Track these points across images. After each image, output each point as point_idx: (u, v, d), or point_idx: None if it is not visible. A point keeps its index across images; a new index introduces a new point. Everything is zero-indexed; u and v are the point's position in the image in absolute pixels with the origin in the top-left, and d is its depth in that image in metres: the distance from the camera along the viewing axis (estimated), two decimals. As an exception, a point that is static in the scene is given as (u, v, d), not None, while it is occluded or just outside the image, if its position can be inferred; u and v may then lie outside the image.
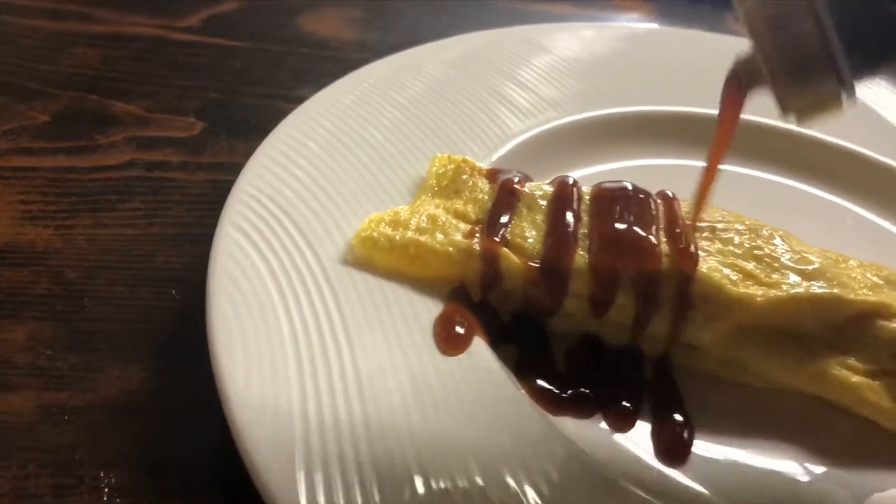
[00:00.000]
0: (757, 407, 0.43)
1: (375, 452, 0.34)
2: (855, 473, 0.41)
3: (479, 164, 0.51)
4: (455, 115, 0.56)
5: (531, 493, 0.34)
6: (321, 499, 0.32)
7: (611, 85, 0.63)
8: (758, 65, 0.36)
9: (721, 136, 0.44)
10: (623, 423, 0.41)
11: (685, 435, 0.41)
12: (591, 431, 0.41)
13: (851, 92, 0.34)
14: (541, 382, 0.42)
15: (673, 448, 0.40)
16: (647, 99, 0.63)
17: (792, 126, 0.60)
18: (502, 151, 0.54)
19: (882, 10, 0.32)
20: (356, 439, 0.35)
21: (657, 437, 0.40)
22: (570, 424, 0.40)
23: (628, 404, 0.42)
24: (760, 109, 0.54)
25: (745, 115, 0.61)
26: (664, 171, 0.60)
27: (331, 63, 0.70)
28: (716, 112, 0.57)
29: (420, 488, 0.34)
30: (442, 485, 0.34)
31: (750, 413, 0.43)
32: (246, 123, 0.62)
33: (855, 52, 0.33)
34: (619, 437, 0.40)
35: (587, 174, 0.57)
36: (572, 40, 0.68)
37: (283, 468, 0.33)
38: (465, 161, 0.50)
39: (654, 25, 0.87)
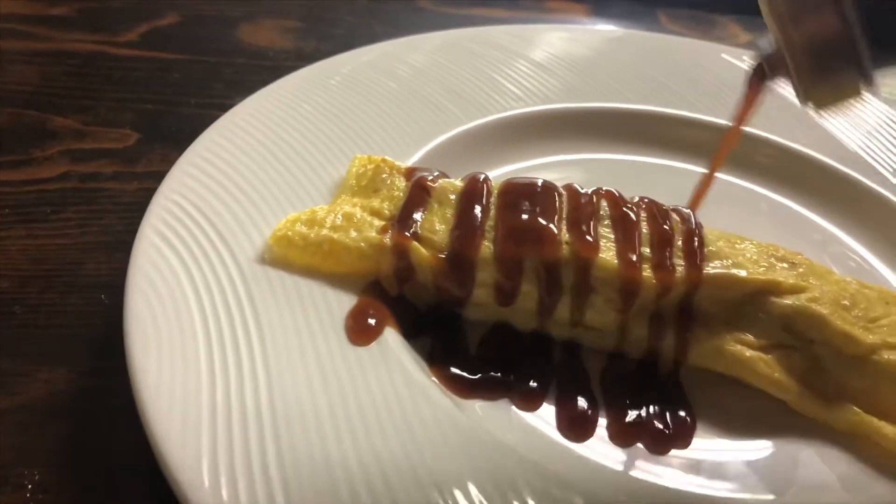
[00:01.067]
0: (662, 381, 0.45)
1: (280, 441, 0.36)
2: (750, 442, 0.43)
3: (399, 163, 0.53)
4: (379, 117, 0.58)
5: (436, 475, 0.36)
6: (223, 488, 0.34)
7: (534, 84, 0.65)
8: (780, 57, 0.37)
9: (736, 125, 0.46)
10: (530, 403, 0.43)
11: (589, 412, 0.43)
12: (502, 413, 0.42)
13: (872, 83, 0.36)
14: (452, 369, 0.44)
15: (575, 424, 0.42)
16: (572, 96, 0.65)
17: (709, 117, 0.64)
18: (423, 151, 0.56)
19: None
20: (262, 429, 0.36)
21: (561, 414, 0.42)
22: (481, 408, 0.42)
23: (535, 385, 0.44)
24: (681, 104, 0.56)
25: (670, 110, 0.65)
26: (587, 166, 0.62)
27: (268, 72, 0.72)
28: (637, 107, 0.60)
29: (324, 475, 0.35)
30: (347, 471, 0.35)
31: (655, 389, 0.45)
32: (181, 133, 0.64)
33: (877, 45, 0.34)
34: (528, 417, 0.42)
35: (510, 171, 0.59)
36: (498, 41, 0.70)
37: (190, 458, 0.34)
38: (384, 161, 0.52)
39: (585, 26, 0.89)
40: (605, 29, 0.80)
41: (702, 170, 0.62)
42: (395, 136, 0.57)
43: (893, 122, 0.67)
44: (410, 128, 0.58)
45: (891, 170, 0.62)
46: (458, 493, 0.35)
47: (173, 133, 0.64)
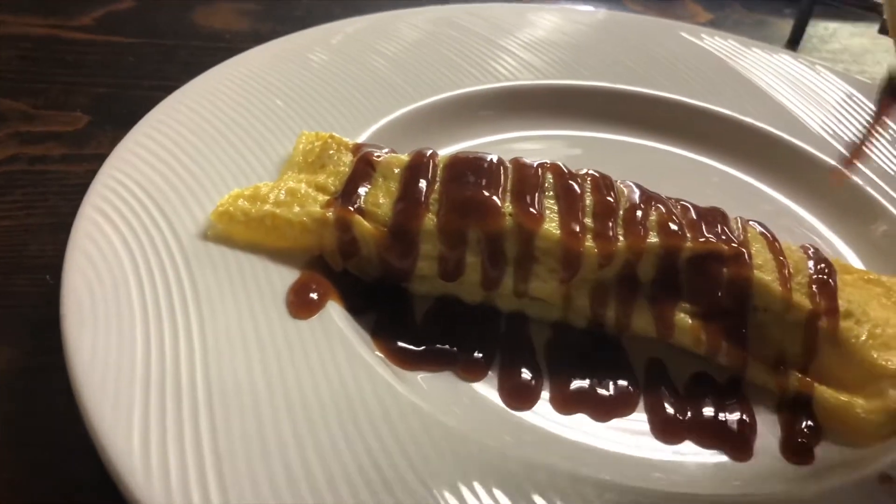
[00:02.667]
0: (606, 350, 0.45)
1: (215, 416, 0.36)
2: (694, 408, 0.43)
3: (347, 140, 0.52)
4: (331, 95, 0.58)
5: (374, 449, 0.36)
6: (153, 460, 0.33)
7: (489, 62, 0.65)
8: None
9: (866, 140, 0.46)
10: (473, 373, 0.43)
11: (532, 381, 0.43)
12: (446, 385, 0.42)
13: None
14: (397, 342, 0.44)
15: (517, 392, 0.42)
16: (528, 74, 0.65)
17: (663, 93, 0.64)
18: (373, 129, 0.56)
19: None
20: (196, 404, 0.36)
21: (504, 383, 0.42)
22: (420, 379, 0.42)
23: (480, 356, 0.44)
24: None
25: (625, 86, 0.65)
26: (542, 142, 0.62)
27: (223, 54, 0.70)
28: (594, 84, 0.60)
29: (257, 449, 0.35)
30: (281, 444, 0.35)
31: (599, 358, 0.45)
32: (132, 116, 0.62)
33: None
34: (472, 389, 0.42)
35: (461, 149, 0.59)
36: (454, 20, 0.69)
37: (121, 432, 0.34)
38: (332, 137, 0.52)
39: (544, 5, 0.89)
40: (567, 7, 0.79)
41: (658, 145, 0.62)
42: (346, 113, 0.57)
43: (849, 98, 0.67)
44: (362, 105, 0.58)
45: (841, 141, 0.62)
46: (396, 467, 0.35)
47: (124, 116, 0.62)
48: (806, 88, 0.68)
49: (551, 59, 0.67)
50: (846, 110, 0.65)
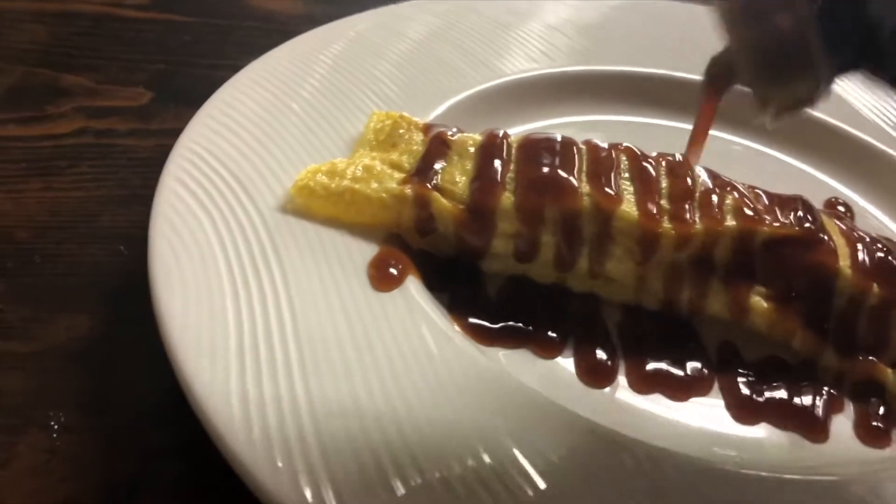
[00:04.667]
0: (678, 332, 0.46)
1: (309, 384, 0.36)
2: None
3: (418, 120, 0.53)
4: (395, 76, 0.58)
5: (464, 418, 0.36)
6: (255, 428, 0.34)
7: (548, 46, 0.65)
8: (735, 64, 0.37)
9: (698, 133, 0.47)
10: (550, 350, 0.43)
11: (608, 360, 0.43)
12: (524, 360, 0.43)
13: (827, 91, 0.35)
14: (472, 318, 0.44)
15: (594, 370, 0.42)
16: (585, 59, 0.65)
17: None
18: (439, 110, 0.56)
19: (862, 12, 0.32)
20: (291, 372, 0.36)
21: (581, 361, 0.43)
22: (501, 356, 0.43)
23: (554, 334, 0.44)
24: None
25: (680, 74, 0.65)
26: (600, 127, 0.62)
27: (278, 35, 0.71)
28: (649, 71, 0.60)
29: (354, 417, 0.35)
30: (377, 412, 0.36)
31: (672, 338, 0.45)
32: (194, 93, 0.63)
33: (833, 53, 0.33)
34: (547, 364, 0.43)
35: (524, 131, 0.59)
36: (510, 4, 0.70)
37: (220, 398, 0.35)
38: (402, 116, 0.52)
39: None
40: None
41: (716, 133, 0.62)
42: (411, 94, 0.57)
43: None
44: (426, 87, 0.58)
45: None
46: (485, 435, 0.36)
47: (186, 93, 0.63)
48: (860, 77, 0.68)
49: (602, 44, 0.67)
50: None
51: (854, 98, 0.66)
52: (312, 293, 0.41)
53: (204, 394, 0.35)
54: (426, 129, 0.51)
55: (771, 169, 0.61)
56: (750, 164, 0.61)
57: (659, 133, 0.62)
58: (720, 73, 0.41)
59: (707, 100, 0.44)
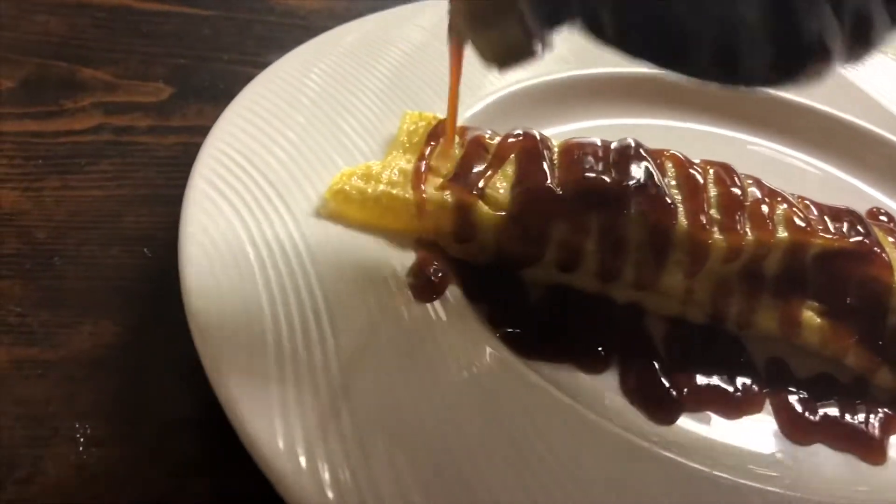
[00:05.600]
0: (726, 348, 0.44)
1: (352, 397, 0.35)
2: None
3: (451, 122, 0.51)
4: (428, 75, 0.57)
5: (515, 434, 0.35)
6: (298, 435, 0.32)
7: (582, 46, 0.63)
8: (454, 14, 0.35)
9: (451, 88, 0.44)
10: (594, 366, 0.42)
11: (655, 377, 0.42)
12: (565, 375, 0.41)
13: (543, 43, 0.33)
14: (514, 330, 0.42)
15: (642, 387, 0.41)
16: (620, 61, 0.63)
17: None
18: (475, 110, 0.54)
19: None
20: (331, 380, 0.35)
21: (627, 379, 0.41)
22: (544, 369, 0.41)
23: (599, 348, 0.42)
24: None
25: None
26: (638, 131, 0.60)
27: (299, 30, 0.70)
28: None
29: (400, 432, 0.34)
30: (423, 427, 0.34)
31: (721, 353, 0.44)
32: (215, 88, 0.62)
33: (544, 4, 0.32)
34: (591, 379, 0.41)
35: (558, 133, 0.57)
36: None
37: (260, 413, 0.33)
38: (436, 118, 0.50)
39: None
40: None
41: (753, 138, 0.61)
42: (443, 94, 0.55)
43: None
44: (463, 86, 0.56)
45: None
46: (538, 451, 0.34)
47: (207, 88, 0.62)
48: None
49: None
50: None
51: (890, 102, 0.64)
52: (351, 302, 0.39)
53: (241, 406, 0.33)
54: (461, 131, 0.49)
55: (809, 178, 0.59)
56: (787, 172, 0.59)
57: (693, 137, 0.61)
58: (453, 22, 0.39)
59: (453, 49, 0.42)
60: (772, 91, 0.63)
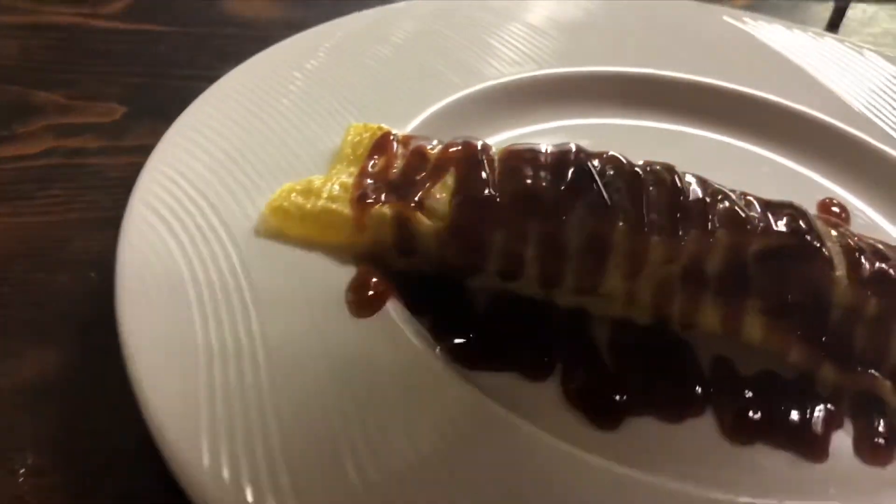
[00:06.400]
0: (672, 348, 0.44)
1: (283, 419, 0.35)
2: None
3: (397, 131, 0.51)
4: (374, 85, 0.57)
5: (445, 450, 0.35)
6: (225, 466, 0.32)
7: (531, 48, 0.63)
8: None
9: None
10: (537, 373, 0.42)
11: (597, 382, 0.42)
12: (508, 383, 0.41)
13: None
14: (457, 340, 0.42)
15: (584, 393, 0.41)
16: (569, 61, 0.63)
17: (707, 79, 0.62)
18: (420, 119, 0.54)
19: None
20: (263, 405, 0.35)
21: (570, 384, 0.41)
22: (487, 379, 0.41)
23: (543, 355, 0.42)
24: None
25: (670, 73, 0.63)
26: (587, 131, 0.60)
27: (256, 42, 0.69)
28: (638, 70, 0.58)
29: (329, 451, 0.34)
30: (353, 446, 0.34)
31: (664, 355, 0.44)
32: (169, 106, 0.61)
33: None
34: (536, 388, 0.41)
35: (510, 138, 0.57)
36: (492, 6, 0.68)
37: (189, 438, 0.33)
38: (380, 129, 0.50)
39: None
40: None
41: (706, 133, 0.61)
42: (391, 103, 0.56)
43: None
44: (406, 95, 0.57)
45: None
46: (467, 467, 0.34)
47: (161, 106, 0.61)
48: (854, 73, 0.66)
49: (589, 44, 0.65)
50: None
51: (847, 94, 0.64)
52: (287, 322, 0.39)
53: (171, 435, 0.33)
54: (406, 141, 0.49)
55: (764, 169, 0.59)
56: (742, 165, 0.59)
57: (649, 136, 0.61)
58: None
59: None
60: (724, 83, 0.63)
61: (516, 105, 0.60)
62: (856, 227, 0.55)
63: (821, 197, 0.57)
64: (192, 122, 0.50)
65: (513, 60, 0.62)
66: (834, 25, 0.85)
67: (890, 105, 0.62)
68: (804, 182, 0.58)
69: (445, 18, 0.65)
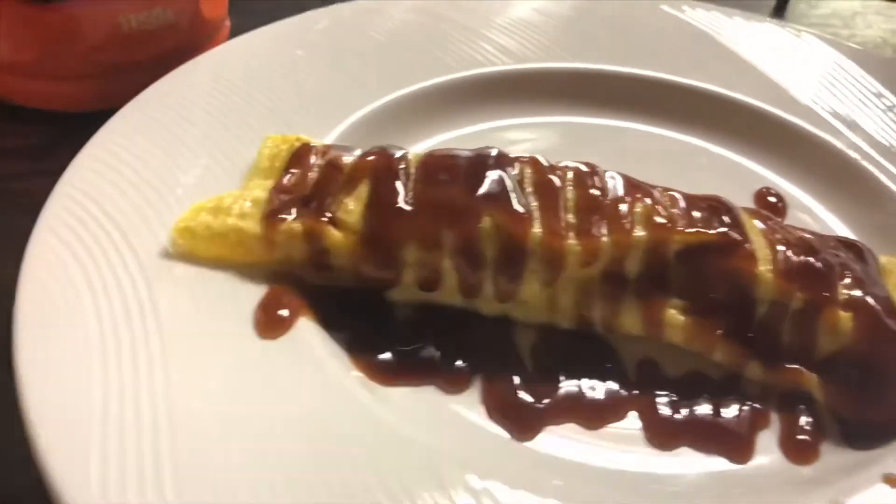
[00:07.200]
0: (596, 352, 0.43)
1: (178, 455, 0.33)
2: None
3: (318, 141, 0.50)
4: (295, 93, 0.55)
5: (350, 479, 0.34)
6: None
7: (464, 49, 0.62)
8: None
9: None
10: (455, 385, 0.41)
11: (518, 392, 0.41)
12: (427, 398, 0.40)
13: None
14: (375, 356, 0.41)
15: (502, 403, 0.40)
16: (500, 59, 0.62)
17: (645, 71, 0.61)
18: (343, 127, 0.53)
19: None
20: (158, 441, 0.34)
21: (489, 395, 0.40)
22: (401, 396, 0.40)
23: (463, 365, 0.41)
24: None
25: (606, 66, 0.62)
26: (518, 130, 0.59)
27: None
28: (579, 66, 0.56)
29: (224, 489, 0.33)
30: (250, 483, 0.33)
31: (588, 359, 0.43)
32: (91, 127, 0.60)
33: None
34: (455, 401, 0.40)
35: (444, 141, 0.56)
36: (425, 6, 0.66)
37: (78, 475, 0.32)
38: (298, 140, 0.49)
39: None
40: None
41: (642, 127, 0.60)
42: (316, 112, 0.54)
43: (839, 66, 0.64)
44: (332, 103, 0.55)
45: (832, 113, 0.60)
46: (376, 489, 0.33)
47: (83, 128, 0.60)
48: (793, 58, 0.65)
49: (527, 41, 0.64)
50: (835, 79, 0.63)
51: (788, 82, 0.63)
52: (190, 348, 0.38)
53: (58, 471, 0.32)
54: (326, 151, 0.48)
55: (702, 161, 0.58)
56: (679, 157, 0.58)
57: (583, 131, 0.60)
58: None
59: None
60: (661, 74, 0.62)
61: (450, 107, 0.59)
62: (793, 217, 0.54)
63: (758, 186, 0.56)
64: (104, 141, 0.48)
65: (443, 62, 0.61)
66: (780, 8, 0.84)
67: (828, 90, 0.61)
68: (742, 172, 0.57)
69: (370, 21, 0.63)
